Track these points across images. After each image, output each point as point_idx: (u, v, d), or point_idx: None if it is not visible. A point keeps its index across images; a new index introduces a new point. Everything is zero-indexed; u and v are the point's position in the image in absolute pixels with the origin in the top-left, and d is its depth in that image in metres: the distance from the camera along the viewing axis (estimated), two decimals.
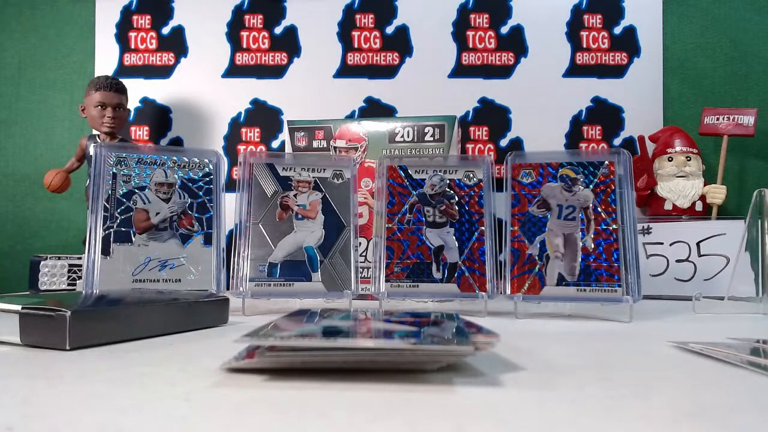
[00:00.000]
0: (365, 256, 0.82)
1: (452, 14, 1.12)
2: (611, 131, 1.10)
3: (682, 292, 0.84)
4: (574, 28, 1.11)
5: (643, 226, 0.92)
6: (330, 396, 0.27)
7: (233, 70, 1.13)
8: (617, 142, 1.10)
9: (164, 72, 1.13)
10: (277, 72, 1.13)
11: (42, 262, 0.86)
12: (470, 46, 1.12)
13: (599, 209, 0.62)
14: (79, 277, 0.86)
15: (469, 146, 1.11)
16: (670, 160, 1.00)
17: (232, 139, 1.12)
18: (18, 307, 0.38)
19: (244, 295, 0.62)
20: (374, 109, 1.11)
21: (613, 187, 0.63)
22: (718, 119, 1.01)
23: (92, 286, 0.61)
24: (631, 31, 1.10)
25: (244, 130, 1.12)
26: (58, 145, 1.13)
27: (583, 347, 0.42)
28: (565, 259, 0.62)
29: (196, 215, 0.68)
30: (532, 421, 0.23)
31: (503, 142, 1.11)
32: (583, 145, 1.10)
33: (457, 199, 0.67)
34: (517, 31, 1.11)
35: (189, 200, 0.68)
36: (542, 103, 1.10)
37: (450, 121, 0.86)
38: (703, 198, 0.99)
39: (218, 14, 1.13)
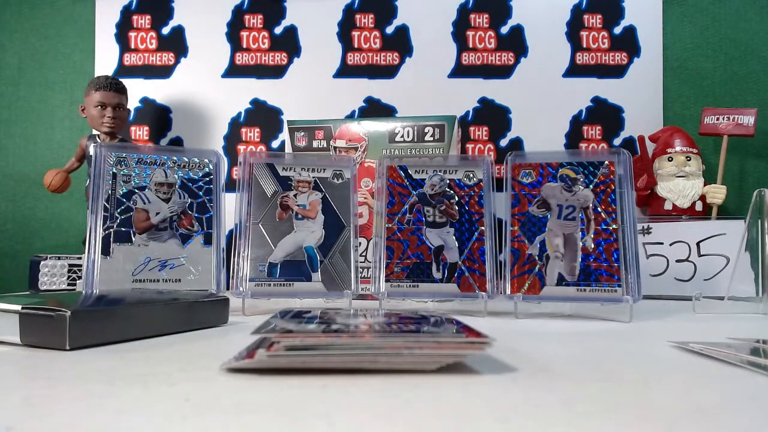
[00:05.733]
0: (365, 256, 0.82)
1: (452, 14, 1.12)
2: (611, 131, 1.10)
3: (682, 292, 0.84)
4: (574, 28, 1.11)
5: (643, 226, 0.92)
6: (330, 396, 0.27)
7: (233, 70, 1.13)
8: (617, 142, 1.10)
9: (164, 72, 1.13)
10: (277, 72, 1.13)
11: (42, 262, 0.86)
12: (470, 46, 1.12)
13: (599, 209, 0.62)
14: (79, 277, 0.86)
15: (469, 146, 1.11)
16: (670, 160, 1.00)
17: (232, 139, 1.12)
18: (18, 307, 0.38)
19: (244, 295, 0.62)
20: (374, 109, 1.11)
21: (613, 187, 0.63)
22: (718, 119, 1.01)
23: (92, 286, 0.61)
24: (631, 31, 1.10)
25: (244, 130, 1.12)
26: (58, 145, 1.13)
27: (583, 347, 0.42)
28: (565, 259, 0.62)
29: (196, 215, 0.68)
30: (531, 420, 0.23)
31: (503, 142, 1.11)
32: (583, 145, 1.10)
33: (457, 199, 0.67)
34: (517, 31, 1.11)
35: (189, 200, 0.68)
36: (542, 103, 1.10)
37: (450, 121, 0.86)
38: (703, 198, 0.99)
39: (218, 14, 1.13)
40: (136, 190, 0.66)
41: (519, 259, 0.63)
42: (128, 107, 1.03)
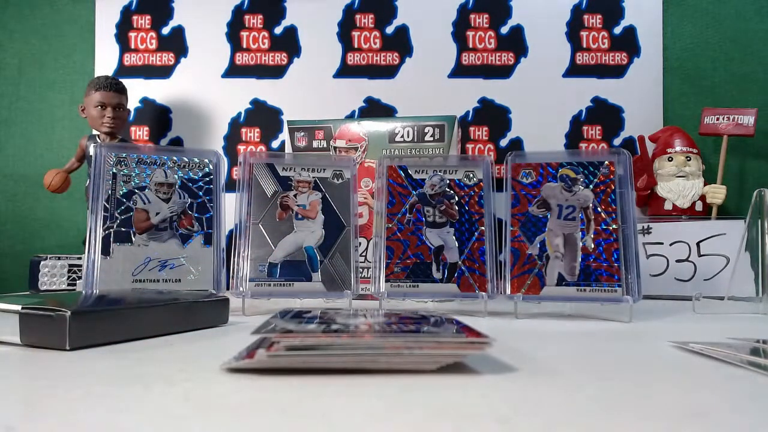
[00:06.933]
0: (365, 256, 0.82)
1: (452, 14, 1.12)
2: (611, 131, 1.10)
3: (682, 292, 0.84)
4: (574, 28, 1.11)
5: (643, 226, 0.92)
6: (330, 396, 0.27)
7: (233, 70, 1.13)
8: (617, 142, 1.10)
9: (164, 72, 1.13)
10: (277, 72, 1.13)
11: (42, 262, 0.86)
12: (470, 46, 1.11)
13: (599, 209, 0.62)
14: (79, 277, 0.86)
15: (469, 146, 1.11)
16: (670, 160, 1.00)
17: (232, 139, 1.12)
18: (18, 307, 0.38)
19: (244, 295, 0.62)
20: (374, 109, 1.11)
21: (613, 187, 0.63)
22: (718, 119, 1.01)
23: (92, 286, 0.61)
24: (631, 31, 1.10)
25: (244, 130, 1.12)
26: (58, 145, 1.13)
27: (583, 347, 0.42)
28: (565, 259, 0.62)
29: (196, 215, 0.68)
30: (531, 421, 0.23)
31: (503, 142, 1.11)
32: (583, 145, 1.10)
33: (457, 199, 0.67)
34: (517, 31, 1.11)
35: (189, 200, 0.68)
36: (542, 103, 1.10)
37: (450, 121, 0.86)
38: (703, 198, 0.99)
39: (218, 14, 1.13)
40: (136, 190, 0.66)
41: (519, 259, 0.63)
42: (128, 107, 1.03)
